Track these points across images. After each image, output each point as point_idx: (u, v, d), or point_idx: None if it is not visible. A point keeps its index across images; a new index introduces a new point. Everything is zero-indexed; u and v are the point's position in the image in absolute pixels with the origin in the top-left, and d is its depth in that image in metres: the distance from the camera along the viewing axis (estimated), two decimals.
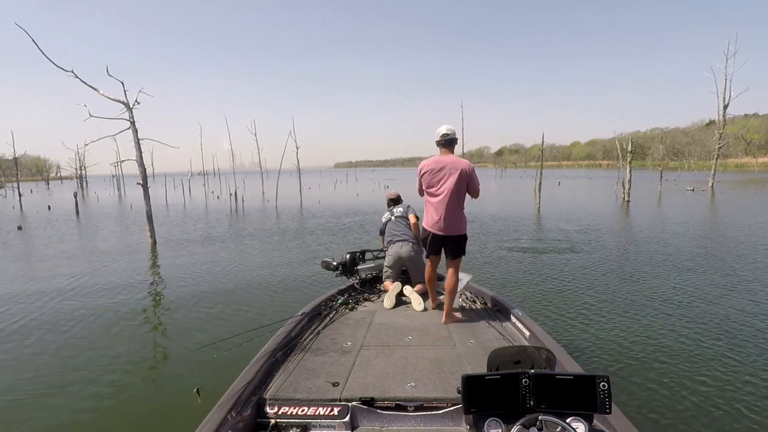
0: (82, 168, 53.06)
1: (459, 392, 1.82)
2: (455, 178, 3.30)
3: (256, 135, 33.42)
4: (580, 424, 1.74)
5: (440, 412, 2.18)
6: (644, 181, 32.88)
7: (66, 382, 3.87)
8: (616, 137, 30.83)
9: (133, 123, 10.88)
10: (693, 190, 26.30)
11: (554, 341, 2.75)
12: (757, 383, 3.52)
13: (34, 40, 9.40)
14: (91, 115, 10.79)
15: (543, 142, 20.98)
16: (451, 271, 3.47)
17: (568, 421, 1.72)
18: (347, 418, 2.18)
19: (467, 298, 3.91)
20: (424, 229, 3.59)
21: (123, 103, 10.71)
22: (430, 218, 3.46)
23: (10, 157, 30.33)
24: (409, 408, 2.21)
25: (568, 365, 2.34)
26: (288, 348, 2.81)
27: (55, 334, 5.03)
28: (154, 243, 11.04)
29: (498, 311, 3.60)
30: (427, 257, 3.70)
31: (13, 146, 29.19)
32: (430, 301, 3.82)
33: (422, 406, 2.21)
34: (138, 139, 10.93)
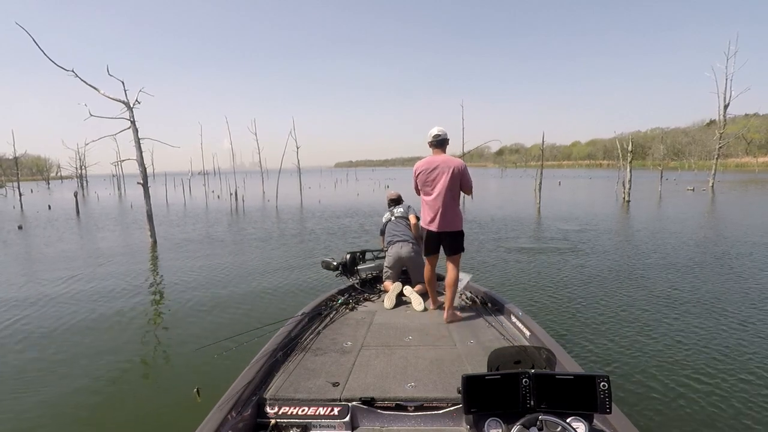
0: (83, 167, 53.11)
1: (459, 392, 1.82)
2: (448, 176, 3.43)
3: (256, 134, 33.46)
4: (581, 423, 1.74)
5: (440, 412, 2.18)
6: (645, 181, 32.89)
7: (66, 381, 3.87)
8: (617, 137, 30.84)
9: (133, 122, 10.88)
10: (693, 190, 26.30)
11: (554, 341, 2.75)
12: (757, 382, 3.51)
13: (34, 40, 9.40)
14: (91, 115, 10.80)
15: (543, 141, 20.97)
16: (450, 266, 3.54)
17: (568, 420, 1.72)
18: (347, 418, 2.18)
19: (467, 298, 3.91)
20: (421, 227, 3.71)
21: (123, 102, 10.71)
22: (426, 216, 3.60)
23: (11, 157, 30.35)
24: (409, 408, 2.21)
25: (568, 365, 2.34)
26: (288, 348, 2.81)
27: (55, 333, 5.03)
28: (155, 242, 11.05)
29: (498, 311, 3.60)
30: (425, 255, 3.75)
31: (14, 146, 29.21)
32: (430, 301, 3.83)
33: (422, 406, 2.21)
34: (138, 139, 10.93)
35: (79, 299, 6.34)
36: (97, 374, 3.99)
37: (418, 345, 2.95)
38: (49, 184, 69.70)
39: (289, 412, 2.22)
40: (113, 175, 52.50)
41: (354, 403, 2.21)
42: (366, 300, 4.06)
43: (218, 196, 30.15)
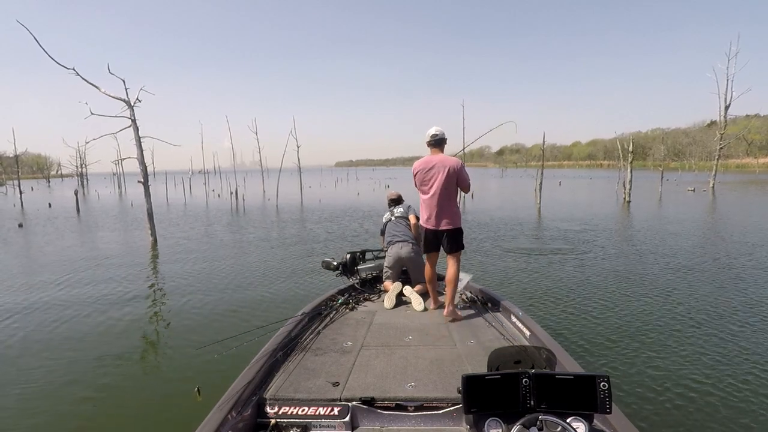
0: (83, 166, 53.17)
1: (459, 392, 1.82)
2: (444, 175, 3.48)
3: (257, 134, 33.44)
4: (581, 423, 1.74)
5: (440, 412, 2.18)
6: (645, 181, 32.86)
7: (65, 381, 3.87)
8: (618, 137, 30.84)
9: (134, 121, 10.88)
10: (694, 190, 26.28)
11: (554, 341, 2.75)
12: (757, 382, 3.52)
13: (35, 38, 9.41)
14: (92, 113, 10.80)
15: (544, 141, 20.98)
16: (450, 263, 3.59)
17: (568, 420, 1.72)
18: (347, 418, 2.18)
19: (467, 298, 3.91)
20: (421, 226, 3.78)
21: (124, 101, 10.71)
22: (424, 215, 3.68)
23: (11, 155, 30.37)
24: (409, 408, 2.21)
25: (568, 365, 2.34)
26: (288, 348, 2.81)
27: (55, 332, 5.03)
28: (155, 241, 11.05)
29: (498, 311, 3.60)
30: (425, 253, 3.79)
31: (14, 144, 29.32)
32: (430, 301, 3.83)
33: (422, 406, 2.21)
34: (139, 137, 10.93)
35: (79, 298, 6.35)
36: (96, 373, 4.00)
37: (418, 345, 2.95)
38: (49, 182, 69.74)
39: (289, 412, 2.22)
40: (114, 174, 52.50)
41: (354, 403, 2.21)
42: (366, 300, 4.06)
43: (219, 195, 30.17)
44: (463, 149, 6.31)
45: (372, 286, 4.49)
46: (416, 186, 3.72)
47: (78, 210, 19.56)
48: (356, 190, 35.28)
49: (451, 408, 2.17)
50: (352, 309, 3.76)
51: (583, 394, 1.77)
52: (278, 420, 2.21)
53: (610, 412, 1.76)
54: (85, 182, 52.31)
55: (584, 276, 7.02)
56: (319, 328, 3.25)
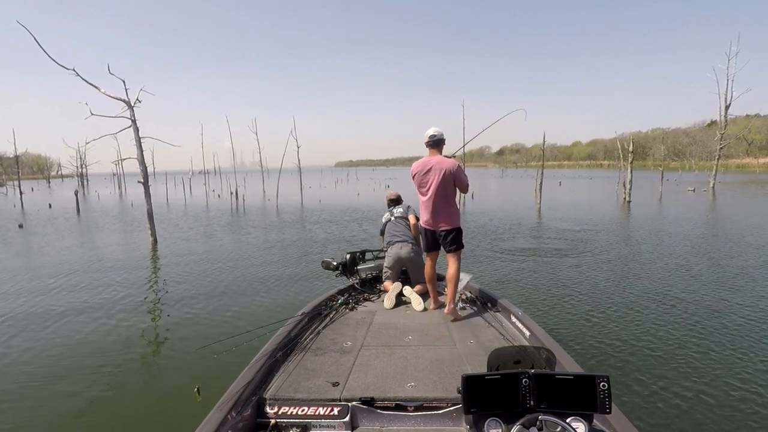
0: (83, 166, 53.20)
1: (459, 392, 1.82)
2: (441, 177, 3.52)
3: (257, 134, 33.43)
4: (580, 423, 1.74)
5: (440, 412, 2.18)
6: (645, 181, 32.86)
7: (65, 381, 3.88)
8: (618, 137, 30.83)
9: (134, 121, 10.88)
10: (694, 190, 26.28)
11: (554, 341, 2.75)
12: (756, 382, 3.51)
13: (35, 39, 9.41)
14: (92, 113, 10.80)
15: (544, 142, 20.98)
16: (450, 262, 3.63)
17: (568, 420, 1.72)
18: (347, 418, 2.18)
19: (467, 298, 3.91)
20: (420, 226, 3.84)
21: (124, 101, 10.71)
22: (423, 215, 3.74)
23: (12, 155, 30.39)
24: (409, 408, 2.21)
25: (568, 365, 2.34)
26: (288, 348, 2.81)
27: (54, 333, 5.03)
28: (155, 241, 11.05)
29: (498, 311, 3.60)
30: (425, 252, 3.85)
31: (14, 144, 29.33)
32: (430, 301, 3.83)
33: (422, 406, 2.21)
34: (139, 138, 10.93)
35: (80, 298, 6.35)
36: (96, 374, 4.00)
37: (417, 345, 2.95)
38: (49, 182, 69.76)
39: (289, 412, 2.22)
40: (114, 174, 52.50)
41: (354, 403, 2.21)
42: (366, 300, 4.06)
43: (219, 195, 30.18)
44: (464, 146, 6.31)
45: (372, 286, 4.49)
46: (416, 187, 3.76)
47: (78, 210, 19.57)
48: (356, 190, 35.29)
49: (451, 408, 2.17)
50: (351, 309, 3.76)
51: (583, 394, 1.77)
52: (278, 420, 2.21)
53: (609, 412, 1.76)
54: (85, 183, 52.32)
55: (584, 276, 7.02)
56: (319, 328, 3.25)
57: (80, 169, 53.01)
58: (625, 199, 19.63)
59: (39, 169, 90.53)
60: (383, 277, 4.37)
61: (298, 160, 30.28)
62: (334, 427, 2.18)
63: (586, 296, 5.94)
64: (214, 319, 5.40)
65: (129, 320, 5.42)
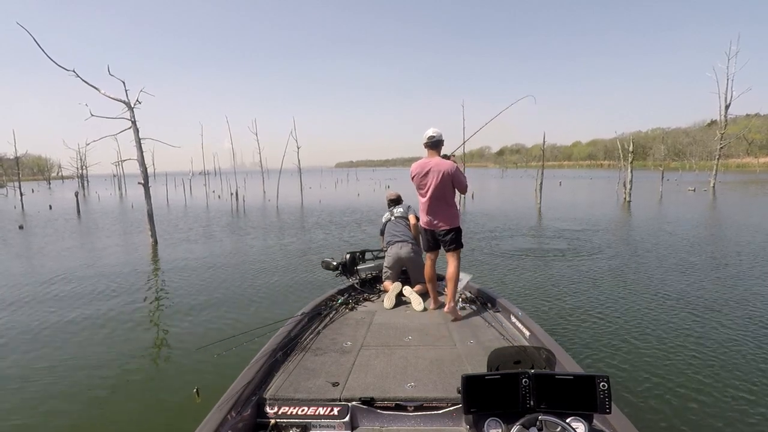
0: (83, 167, 53.20)
1: (459, 392, 1.82)
2: (439, 178, 3.56)
3: (257, 134, 33.46)
4: (580, 424, 1.73)
5: (440, 412, 2.18)
6: (645, 181, 32.84)
7: (65, 381, 3.88)
8: (618, 137, 30.83)
9: (134, 122, 10.88)
10: (694, 190, 26.27)
11: (554, 341, 2.75)
12: (756, 382, 3.51)
13: (35, 40, 9.41)
14: (92, 115, 10.79)
15: (544, 142, 20.99)
16: (450, 261, 3.66)
17: (568, 421, 1.71)
18: (347, 418, 2.18)
19: (467, 298, 3.91)
20: (420, 226, 3.89)
21: (124, 102, 10.71)
22: (422, 216, 3.80)
23: (12, 157, 30.41)
24: (409, 408, 2.21)
25: (568, 365, 2.34)
26: (288, 348, 2.81)
27: (54, 333, 5.03)
28: (155, 242, 11.05)
29: (498, 311, 3.60)
30: (425, 251, 3.88)
31: (15, 145, 29.30)
32: (430, 301, 3.83)
33: (422, 406, 2.21)
34: (139, 139, 10.93)
35: (80, 299, 6.35)
36: (96, 374, 4.00)
37: (417, 345, 2.95)
38: (50, 183, 69.77)
39: (288, 412, 2.22)
40: (114, 175, 52.53)
41: (354, 403, 2.21)
42: (366, 300, 4.06)
43: (219, 196, 30.17)
44: (463, 144, 6.32)
45: (372, 286, 4.49)
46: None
47: (78, 212, 19.57)
48: (356, 190, 35.30)
49: (451, 408, 2.17)
50: (351, 309, 3.76)
51: (583, 394, 1.76)
52: (278, 420, 2.20)
53: (609, 412, 1.76)
54: (85, 184, 52.30)
55: (584, 276, 7.01)
56: (319, 328, 3.25)
57: (80, 171, 53.05)
58: (625, 199, 19.62)
59: (39, 170, 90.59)
60: (383, 277, 4.37)
61: (298, 160, 30.32)
62: (334, 427, 2.18)
63: (586, 296, 5.94)
64: (213, 319, 5.40)
65: (129, 321, 5.42)
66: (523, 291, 6.28)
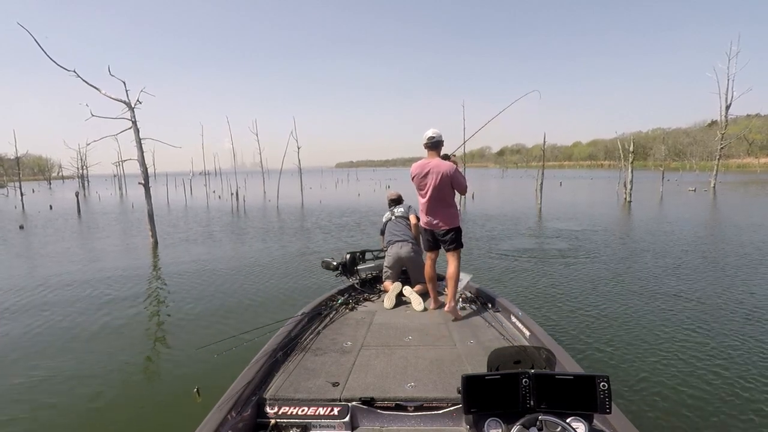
0: (84, 167, 53.29)
1: (459, 392, 1.82)
2: (438, 180, 3.59)
3: (257, 135, 33.45)
4: (580, 424, 1.73)
5: (440, 412, 2.18)
6: (646, 181, 32.83)
7: (65, 381, 3.88)
8: (618, 137, 30.82)
9: (134, 122, 10.89)
10: (695, 190, 26.25)
11: (554, 341, 2.74)
12: (757, 382, 3.51)
13: (36, 40, 9.42)
14: (92, 115, 10.80)
15: (544, 142, 20.98)
16: (450, 261, 3.68)
17: (568, 421, 1.71)
18: (347, 418, 2.18)
19: (467, 298, 3.91)
20: (420, 226, 3.91)
21: (124, 102, 10.72)
22: (422, 216, 3.83)
23: (12, 157, 30.44)
24: (409, 408, 2.21)
25: (568, 365, 2.34)
26: (288, 348, 2.81)
27: (55, 333, 5.04)
28: (156, 243, 11.05)
29: (498, 311, 3.60)
30: (425, 251, 3.91)
31: (15, 146, 29.37)
32: (430, 301, 3.83)
33: (422, 406, 2.21)
34: (139, 139, 10.94)
35: (80, 299, 6.35)
36: (97, 374, 4.00)
37: (418, 345, 2.95)
38: (50, 184, 69.84)
39: (289, 412, 2.22)
40: (114, 175, 52.63)
41: (354, 403, 2.21)
42: (366, 300, 4.06)
43: (219, 197, 30.19)
44: (464, 143, 6.32)
45: (372, 286, 4.49)
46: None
47: (79, 212, 19.58)
48: (357, 191, 35.29)
49: (451, 408, 2.17)
50: (351, 309, 3.76)
51: (583, 394, 1.76)
52: (278, 420, 2.20)
53: (609, 412, 1.76)
54: (86, 184, 52.36)
55: (584, 276, 7.01)
56: (319, 328, 3.25)
57: (81, 171, 53.12)
58: (625, 199, 19.62)
59: (40, 170, 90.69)
60: (383, 277, 4.37)
61: (299, 160, 30.30)
62: (334, 427, 2.18)
63: (587, 296, 5.94)
64: (214, 319, 5.40)
65: (129, 321, 5.42)
66: (523, 291, 6.28)
